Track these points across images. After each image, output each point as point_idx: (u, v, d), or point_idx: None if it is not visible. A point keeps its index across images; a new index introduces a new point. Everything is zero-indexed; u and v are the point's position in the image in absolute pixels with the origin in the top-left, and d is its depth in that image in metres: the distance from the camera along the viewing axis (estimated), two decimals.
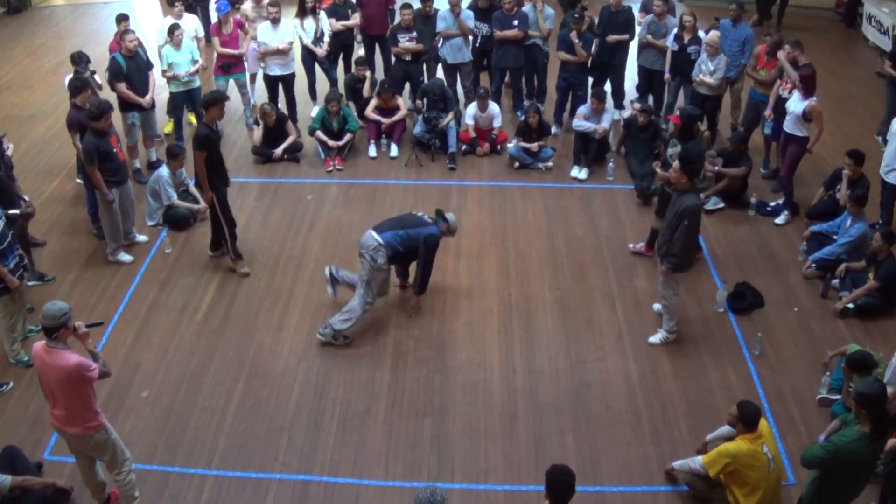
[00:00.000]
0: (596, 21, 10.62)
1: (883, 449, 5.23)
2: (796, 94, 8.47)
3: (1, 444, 5.75)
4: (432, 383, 6.67)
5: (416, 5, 10.55)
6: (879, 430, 4.89)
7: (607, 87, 10.56)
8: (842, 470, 4.95)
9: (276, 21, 10.10)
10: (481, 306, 7.52)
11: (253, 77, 10.91)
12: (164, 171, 8.56)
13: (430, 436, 6.18)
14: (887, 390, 5.40)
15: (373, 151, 10.13)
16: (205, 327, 7.29)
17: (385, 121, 10.14)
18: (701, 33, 9.94)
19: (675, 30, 10.02)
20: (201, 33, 10.37)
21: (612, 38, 10.21)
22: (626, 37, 10.29)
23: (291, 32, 10.27)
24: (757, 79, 9.46)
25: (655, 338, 7.10)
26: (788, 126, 8.53)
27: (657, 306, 7.36)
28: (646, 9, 10.61)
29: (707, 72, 9.58)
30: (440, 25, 10.35)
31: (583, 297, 7.67)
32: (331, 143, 9.86)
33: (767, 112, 9.24)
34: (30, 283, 7.34)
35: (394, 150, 10.12)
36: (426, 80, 10.63)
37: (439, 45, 10.54)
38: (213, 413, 6.38)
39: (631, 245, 8.29)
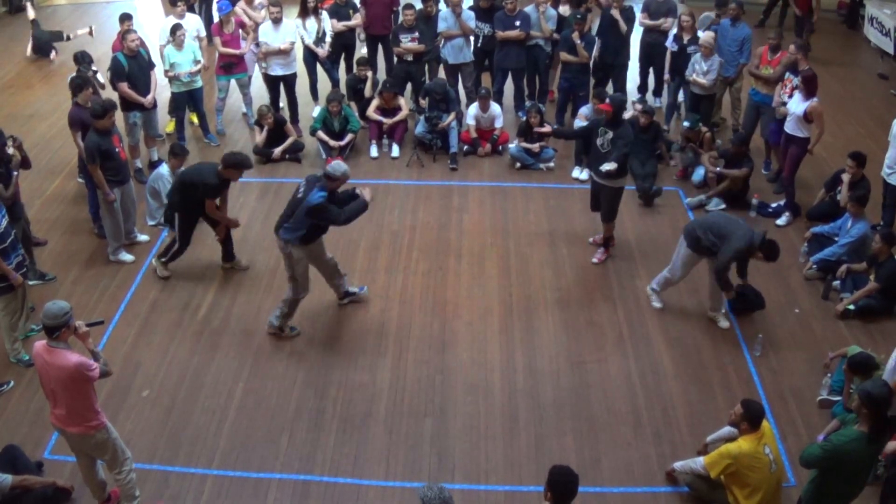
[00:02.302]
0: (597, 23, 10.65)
1: (880, 451, 5.23)
2: (797, 96, 8.46)
3: (1, 443, 5.76)
4: (433, 383, 6.67)
5: (418, 6, 10.56)
6: (877, 432, 4.88)
7: (609, 87, 10.56)
8: (840, 469, 4.95)
9: (277, 21, 10.10)
10: (482, 306, 7.53)
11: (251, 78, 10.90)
12: (164, 169, 8.53)
13: (430, 436, 6.18)
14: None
15: (374, 152, 10.13)
16: (206, 327, 7.30)
17: (386, 121, 10.14)
18: (700, 33, 9.95)
19: (675, 30, 10.02)
20: (203, 33, 10.38)
21: (614, 11, 10.18)
22: (625, 28, 10.26)
23: (293, 32, 10.28)
24: (760, 77, 9.40)
25: (724, 322, 7.23)
26: (789, 127, 8.52)
27: (657, 305, 7.44)
28: (647, 9, 10.62)
29: (700, 72, 9.59)
30: (441, 26, 10.35)
31: (584, 297, 7.67)
32: (332, 143, 9.86)
33: (783, 109, 8.77)
34: (31, 283, 7.34)
35: (395, 151, 10.12)
36: (428, 81, 10.64)
37: (441, 45, 10.55)
38: (213, 412, 6.38)
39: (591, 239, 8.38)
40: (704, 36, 9.59)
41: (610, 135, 7.55)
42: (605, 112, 7.66)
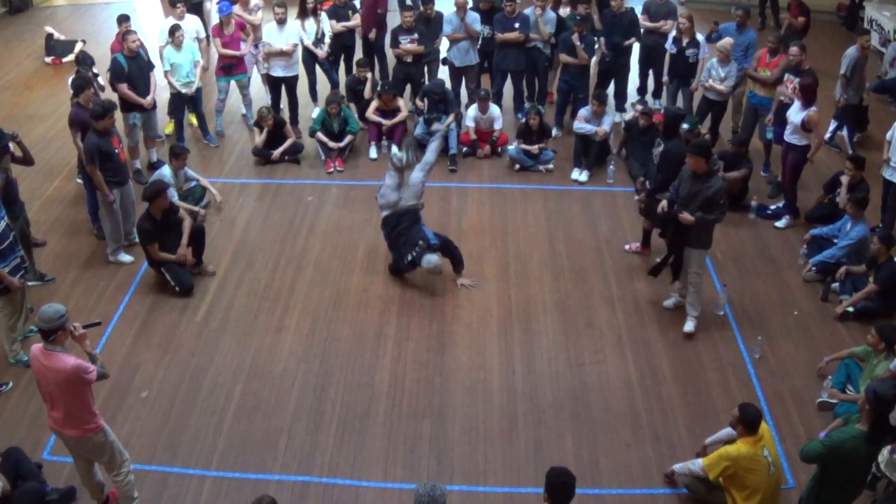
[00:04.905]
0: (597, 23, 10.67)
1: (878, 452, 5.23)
2: (796, 104, 8.43)
3: (0, 444, 5.75)
4: (432, 385, 6.67)
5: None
6: (876, 433, 4.88)
7: (610, 89, 10.57)
8: (839, 466, 4.96)
9: (282, 22, 10.10)
10: (481, 308, 7.53)
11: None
12: (165, 170, 8.46)
13: (429, 437, 6.18)
14: None
15: (373, 153, 10.13)
16: (204, 328, 7.30)
17: (386, 122, 10.14)
18: (699, 37, 9.95)
19: (674, 33, 10.03)
20: (203, 34, 10.38)
21: (626, 43, 10.36)
22: (632, 40, 10.33)
23: (296, 34, 10.28)
24: (759, 79, 9.41)
25: (689, 326, 7.20)
26: (788, 135, 8.50)
27: (668, 303, 7.43)
28: (647, 10, 10.63)
29: (717, 78, 9.57)
30: (447, 28, 10.37)
31: (583, 299, 7.67)
32: (331, 144, 9.86)
33: (769, 118, 9.17)
34: (30, 284, 7.34)
35: (394, 152, 10.10)
36: (427, 82, 10.64)
37: (446, 48, 10.55)
38: (212, 414, 6.38)
39: (626, 246, 8.31)
40: (722, 42, 9.58)
41: (661, 147, 7.56)
42: (659, 122, 7.72)
